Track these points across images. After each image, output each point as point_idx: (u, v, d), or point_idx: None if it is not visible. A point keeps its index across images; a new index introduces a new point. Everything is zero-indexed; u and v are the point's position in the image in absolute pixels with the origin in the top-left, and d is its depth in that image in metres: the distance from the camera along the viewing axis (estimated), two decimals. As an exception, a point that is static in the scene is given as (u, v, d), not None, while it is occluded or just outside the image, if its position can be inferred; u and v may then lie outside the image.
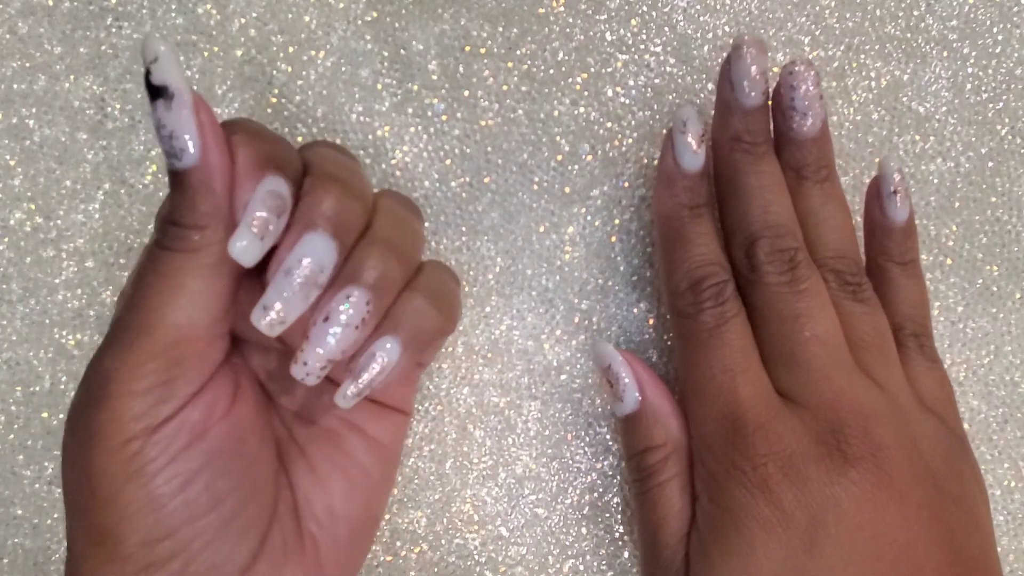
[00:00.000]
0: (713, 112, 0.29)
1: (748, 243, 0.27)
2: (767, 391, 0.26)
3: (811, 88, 0.27)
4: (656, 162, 0.32)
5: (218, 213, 0.22)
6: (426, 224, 0.31)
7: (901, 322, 0.29)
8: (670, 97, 0.32)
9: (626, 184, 0.32)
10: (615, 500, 0.31)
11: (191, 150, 0.22)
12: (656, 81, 0.32)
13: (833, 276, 0.27)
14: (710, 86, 0.32)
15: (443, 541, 0.31)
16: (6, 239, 0.31)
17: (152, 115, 0.22)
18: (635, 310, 0.32)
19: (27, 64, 0.31)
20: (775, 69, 0.32)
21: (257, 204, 0.22)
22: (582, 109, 0.32)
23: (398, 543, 0.31)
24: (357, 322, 0.23)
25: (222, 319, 0.24)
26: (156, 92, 0.21)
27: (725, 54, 0.29)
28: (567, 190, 0.32)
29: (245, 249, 0.22)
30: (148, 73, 0.21)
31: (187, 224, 0.22)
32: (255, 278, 0.24)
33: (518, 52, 0.31)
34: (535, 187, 0.32)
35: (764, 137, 0.28)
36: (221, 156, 0.22)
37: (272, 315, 0.22)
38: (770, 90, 0.28)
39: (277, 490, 0.26)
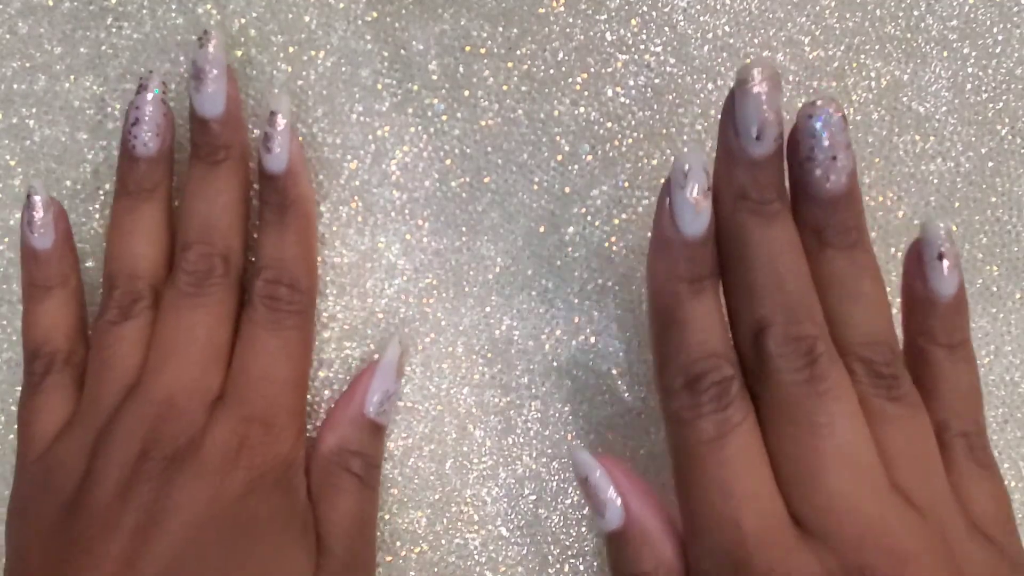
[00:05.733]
0: (715, 156, 0.24)
1: (756, 329, 0.22)
2: (778, 521, 0.22)
3: (837, 134, 0.22)
4: (655, 162, 0.32)
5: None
6: (426, 224, 0.31)
7: (947, 419, 0.24)
8: (670, 97, 0.32)
9: (626, 184, 0.32)
10: (615, 500, 0.31)
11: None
12: (656, 81, 0.32)
13: (862, 367, 0.23)
14: (710, 86, 0.32)
15: (443, 541, 0.31)
16: (6, 239, 0.31)
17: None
18: (635, 310, 0.32)
19: (27, 64, 0.31)
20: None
21: None
22: (582, 109, 0.32)
23: (398, 543, 0.31)
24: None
25: None
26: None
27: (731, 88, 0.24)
28: (567, 190, 0.32)
29: None
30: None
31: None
32: None
33: (518, 52, 0.31)
34: (535, 187, 0.32)
35: (776, 193, 0.23)
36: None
37: None
38: (785, 133, 0.23)
39: None
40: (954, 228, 0.33)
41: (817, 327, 0.22)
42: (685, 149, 0.25)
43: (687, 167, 0.23)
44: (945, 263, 0.24)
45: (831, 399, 0.22)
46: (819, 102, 0.22)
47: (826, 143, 0.22)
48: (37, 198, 0.28)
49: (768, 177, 0.23)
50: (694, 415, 0.22)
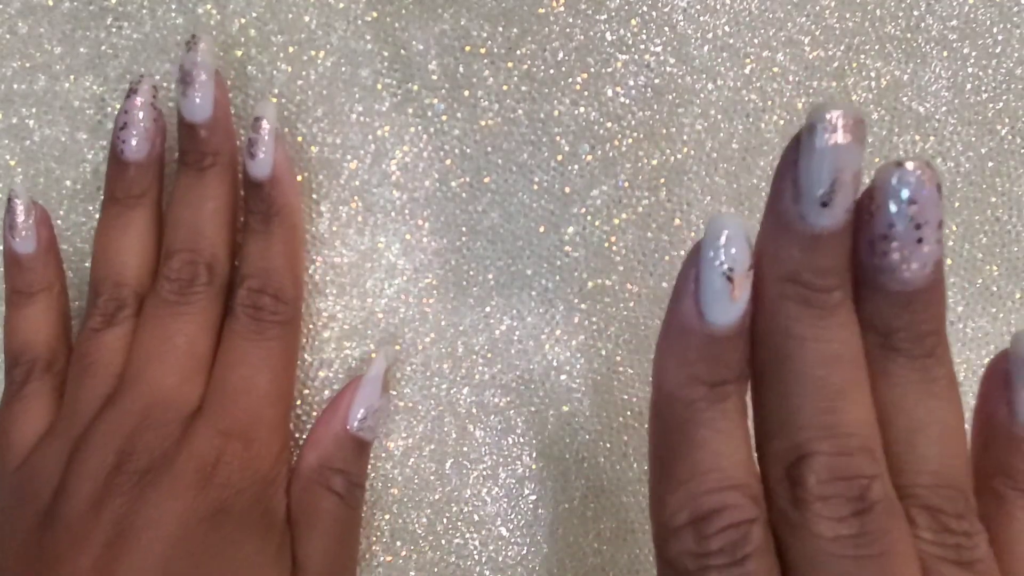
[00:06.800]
0: (762, 222, 0.18)
1: (793, 457, 0.17)
2: None
3: (928, 208, 0.16)
4: (655, 162, 0.32)
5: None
6: (426, 224, 0.31)
7: None
8: (670, 97, 0.32)
9: (626, 184, 0.32)
10: (616, 500, 0.31)
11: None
12: (656, 81, 0.32)
13: (927, 517, 0.17)
14: (710, 86, 0.32)
15: (443, 541, 0.31)
16: (6, 239, 0.31)
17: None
18: (635, 310, 0.32)
19: (27, 64, 0.31)
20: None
21: None
22: (582, 109, 0.32)
23: (398, 543, 0.31)
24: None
25: None
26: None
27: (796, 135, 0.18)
28: (567, 190, 0.32)
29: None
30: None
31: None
32: None
33: (518, 52, 0.31)
34: (535, 187, 0.32)
35: (838, 280, 0.18)
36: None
37: None
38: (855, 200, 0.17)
39: None
40: (954, 228, 0.33)
41: (875, 463, 0.17)
42: (723, 211, 0.19)
43: (725, 235, 0.17)
44: None
45: (885, 567, 0.16)
46: (909, 164, 0.16)
47: (911, 219, 0.16)
48: (18, 201, 0.28)
49: (831, 258, 0.17)
50: (698, 567, 0.17)
